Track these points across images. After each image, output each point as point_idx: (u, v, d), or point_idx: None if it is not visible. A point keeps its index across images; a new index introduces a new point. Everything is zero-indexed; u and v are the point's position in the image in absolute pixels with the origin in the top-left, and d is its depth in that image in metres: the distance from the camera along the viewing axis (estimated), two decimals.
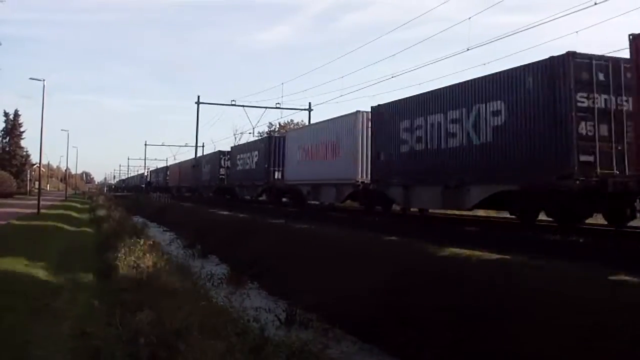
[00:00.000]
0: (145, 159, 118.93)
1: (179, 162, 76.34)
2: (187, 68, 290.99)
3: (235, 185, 45.40)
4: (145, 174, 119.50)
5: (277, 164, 36.24)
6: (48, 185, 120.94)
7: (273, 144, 37.15)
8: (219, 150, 53.44)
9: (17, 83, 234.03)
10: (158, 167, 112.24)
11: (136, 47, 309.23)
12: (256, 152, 39.86)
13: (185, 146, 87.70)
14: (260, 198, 41.24)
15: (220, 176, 50.67)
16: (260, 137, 53.26)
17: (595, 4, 17.33)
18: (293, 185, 33.07)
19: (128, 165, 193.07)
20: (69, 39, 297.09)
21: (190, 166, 63.91)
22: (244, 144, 48.52)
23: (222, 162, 50.47)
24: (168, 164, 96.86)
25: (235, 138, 76.72)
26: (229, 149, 51.49)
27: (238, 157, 45.07)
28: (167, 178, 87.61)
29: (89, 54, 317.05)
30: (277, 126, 76.68)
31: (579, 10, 18.24)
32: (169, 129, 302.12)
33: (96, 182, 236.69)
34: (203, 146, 72.80)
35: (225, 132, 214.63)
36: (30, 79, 34.30)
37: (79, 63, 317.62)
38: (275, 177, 36.16)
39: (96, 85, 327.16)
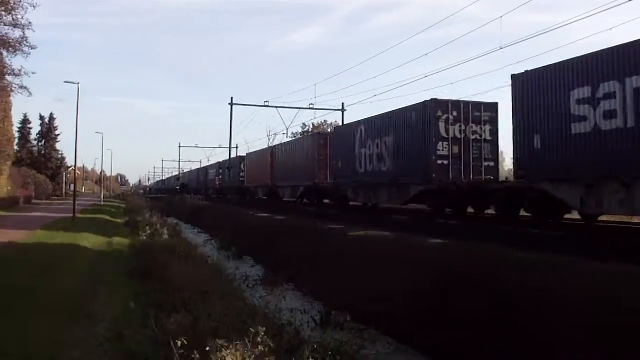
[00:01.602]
0: (179, 161, 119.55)
1: (274, 146, 48.50)
2: (219, 70, 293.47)
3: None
4: (180, 174, 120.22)
5: None
6: (83, 187, 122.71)
7: None
8: (433, 98, 23.76)
9: (50, 86, 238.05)
10: (216, 161, 79.38)
11: (168, 50, 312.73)
12: None
13: (219, 147, 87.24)
14: None
15: (440, 160, 23.12)
16: None
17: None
18: None
19: (162, 167, 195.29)
20: (100, 41, 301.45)
21: (311, 145, 36.93)
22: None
23: (443, 127, 23.12)
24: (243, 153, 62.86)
25: (269, 139, 76.38)
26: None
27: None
28: (242, 174, 57.57)
29: (120, 56, 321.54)
30: (311, 127, 76.60)
31: (612, 7, 17.51)
32: (201, 131, 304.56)
33: (131, 184, 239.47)
34: (237, 147, 72.23)
35: (258, 133, 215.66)
36: (65, 82, 34.39)
37: (110, 65, 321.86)
38: None
39: (128, 88, 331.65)
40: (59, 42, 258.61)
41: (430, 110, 23.12)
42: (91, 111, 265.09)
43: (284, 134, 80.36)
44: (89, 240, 22.23)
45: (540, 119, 17.32)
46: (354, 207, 31.93)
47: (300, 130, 77.62)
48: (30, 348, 7.72)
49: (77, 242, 20.94)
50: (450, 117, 22.98)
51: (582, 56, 15.95)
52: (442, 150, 22.82)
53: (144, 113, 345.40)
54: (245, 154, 58.05)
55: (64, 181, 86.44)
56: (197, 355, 6.61)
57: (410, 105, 25.10)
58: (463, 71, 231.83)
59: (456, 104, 23.33)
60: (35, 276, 13.19)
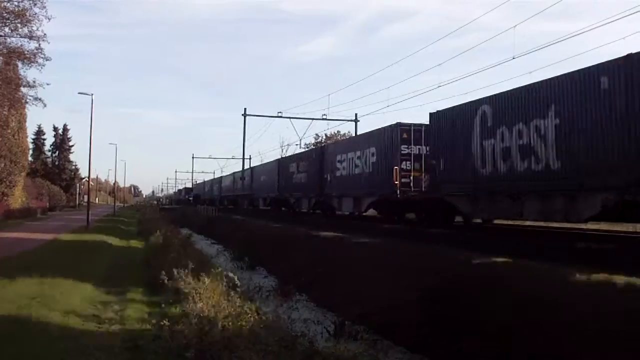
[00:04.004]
0: (192, 172, 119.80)
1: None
2: (233, 81, 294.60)
3: None
4: (192, 185, 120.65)
5: None
6: (97, 198, 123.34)
7: None
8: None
9: (63, 97, 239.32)
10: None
11: (181, 61, 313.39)
12: None
13: (232, 158, 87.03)
14: None
15: None
16: None
17: None
18: None
19: (176, 178, 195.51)
20: (114, 53, 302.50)
21: None
22: None
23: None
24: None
25: (282, 150, 75.48)
26: None
27: None
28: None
29: (134, 66, 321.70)
30: (324, 137, 76.32)
31: (626, 16, 17.33)
32: (215, 142, 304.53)
33: (144, 195, 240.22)
34: (250, 158, 71.27)
35: (272, 144, 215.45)
36: (79, 93, 34.77)
37: (124, 76, 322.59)
38: None
39: (142, 99, 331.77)
40: (73, 53, 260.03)
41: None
42: (105, 122, 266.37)
43: (297, 145, 79.73)
44: None
45: None
46: None
47: (313, 141, 77.36)
48: None
49: None
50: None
51: None
52: None
53: (157, 124, 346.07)
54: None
55: (77, 192, 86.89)
56: None
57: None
58: (477, 81, 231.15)
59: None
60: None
